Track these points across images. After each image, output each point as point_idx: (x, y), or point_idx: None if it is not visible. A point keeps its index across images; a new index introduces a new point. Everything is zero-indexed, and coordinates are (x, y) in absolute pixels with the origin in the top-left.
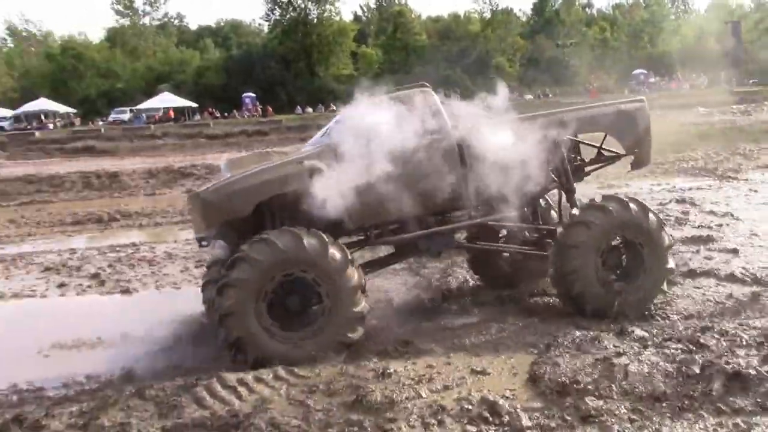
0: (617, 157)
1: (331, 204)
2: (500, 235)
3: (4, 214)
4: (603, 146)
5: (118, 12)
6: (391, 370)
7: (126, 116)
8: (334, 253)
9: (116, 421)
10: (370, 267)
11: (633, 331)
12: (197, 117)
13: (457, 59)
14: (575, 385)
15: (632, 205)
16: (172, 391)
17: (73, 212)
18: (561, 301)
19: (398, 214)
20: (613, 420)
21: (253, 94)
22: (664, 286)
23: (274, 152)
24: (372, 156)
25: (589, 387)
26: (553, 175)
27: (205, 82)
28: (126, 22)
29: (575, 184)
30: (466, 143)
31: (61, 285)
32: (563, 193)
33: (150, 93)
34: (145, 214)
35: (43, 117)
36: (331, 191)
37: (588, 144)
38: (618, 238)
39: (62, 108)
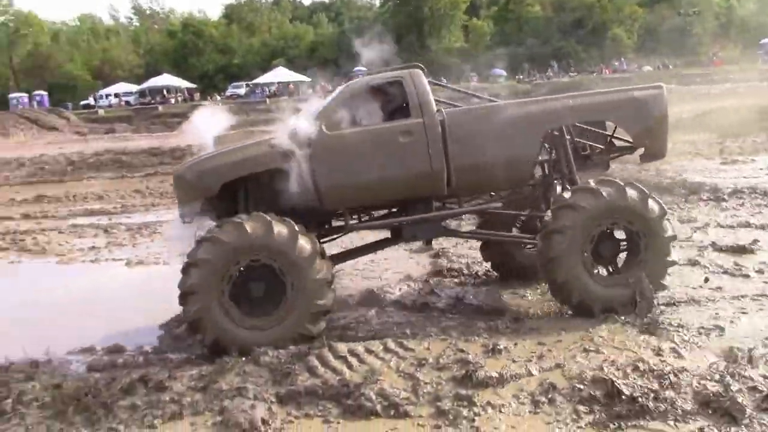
0: (629, 148)
1: (304, 186)
2: (516, 224)
3: (130, 184)
4: (615, 135)
5: None
6: (501, 347)
7: (242, 90)
8: (303, 244)
9: (233, 385)
10: (351, 255)
11: None
12: (310, 91)
13: (571, 30)
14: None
15: (629, 190)
16: (285, 359)
17: None
18: (550, 291)
19: (375, 198)
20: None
21: (364, 68)
22: (665, 281)
23: (261, 130)
24: (347, 137)
25: None
26: (548, 165)
27: (318, 56)
28: None
29: (592, 174)
30: (449, 127)
31: (183, 253)
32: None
33: (265, 68)
34: None
35: (165, 92)
36: (304, 173)
37: (599, 132)
38: (611, 224)
39: (183, 83)
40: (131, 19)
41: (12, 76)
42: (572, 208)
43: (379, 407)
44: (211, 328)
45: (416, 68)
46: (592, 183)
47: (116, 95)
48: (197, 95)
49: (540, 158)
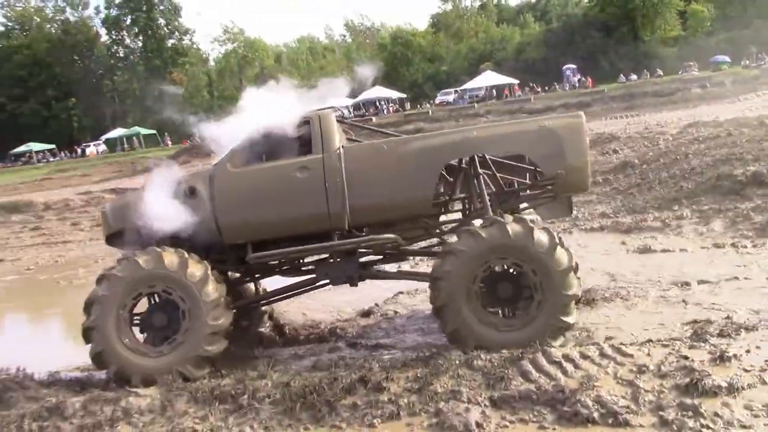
0: (548, 182)
1: (208, 221)
2: None
3: None
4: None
5: None
6: (730, 354)
7: (451, 97)
8: (193, 270)
9: (447, 387)
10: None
11: None
12: (519, 93)
13: None
14: None
15: (511, 227)
16: (498, 363)
17: None
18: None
19: (273, 233)
20: None
21: (574, 66)
22: (568, 317)
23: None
24: (247, 173)
25: None
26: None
27: (526, 57)
28: (449, 6)
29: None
30: (346, 162)
31: None
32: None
33: (473, 73)
34: None
35: (378, 103)
36: (205, 210)
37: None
38: (497, 264)
39: (394, 94)
40: (344, 36)
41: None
42: (452, 254)
43: (596, 415)
44: (116, 360)
45: (330, 110)
46: (475, 224)
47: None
48: (408, 105)
49: (459, 193)
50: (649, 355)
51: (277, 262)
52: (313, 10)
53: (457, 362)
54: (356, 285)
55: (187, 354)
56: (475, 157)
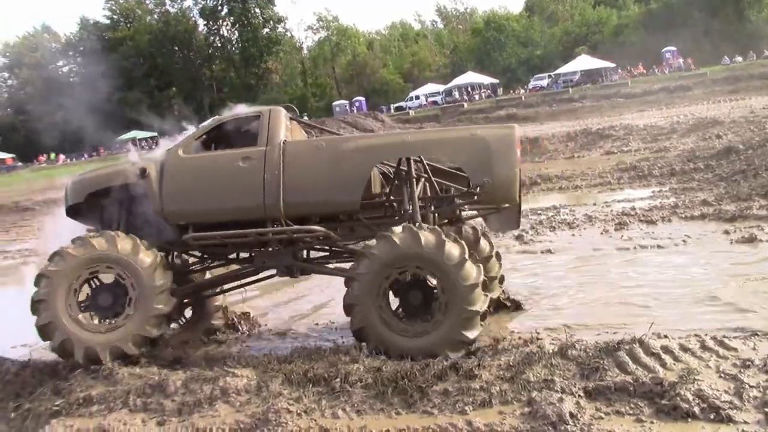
0: (473, 190)
1: (153, 201)
2: None
3: None
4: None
5: None
6: None
7: (545, 82)
8: (144, 257)
9: (540, 377)
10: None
11: None
12: (615, 77)
13: None
14: None
15: (424, 235)
16: (593, 353)
17: None
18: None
19: (210, 217)
20: None
21: (674, 48)
22: (471, 333)
23: None
24: (194, 160)
25: None
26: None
27: (623, 40)
28: None
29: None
30: (286, 156)
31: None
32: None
33: (567, 57)
34: (564, 177)
35: (470, 89)
36: (153, 191)
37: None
38: (407, 271)
39: (486, 79)
40: (435, 22)
41: (335, 85)
42: (366, 257)
43: (696, 409)
44: (61, 333)
45: (286, 108)
46: (394, 229)
47: (424, 96)
48: (500, 90)
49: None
50: (754, 348)
51: (216, 246)
52: None
53: (551, 351)
54: (296, 276)
55: (130, 332)
56: (408, 160)
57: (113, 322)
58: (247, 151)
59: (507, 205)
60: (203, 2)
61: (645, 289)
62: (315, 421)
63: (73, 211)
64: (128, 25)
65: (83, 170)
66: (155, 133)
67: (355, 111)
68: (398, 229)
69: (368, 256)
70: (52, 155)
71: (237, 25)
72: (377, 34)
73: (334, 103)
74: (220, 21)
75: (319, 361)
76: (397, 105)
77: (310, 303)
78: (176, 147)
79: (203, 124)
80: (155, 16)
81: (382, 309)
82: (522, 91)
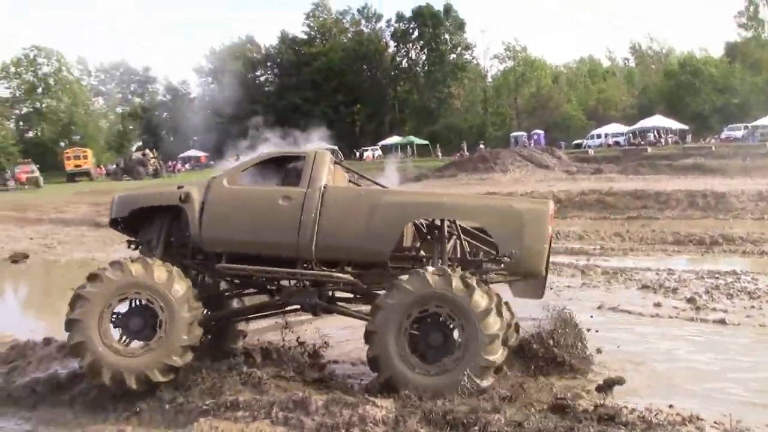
0: (501, 260)
1: (192, 226)
2: None
3: (611, 226)
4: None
5: (740, 25)
6: None
7: (739, 133)
8: (177, 287)
9: None
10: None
11: None
12: None
13: None
14: None
15: (456, 279)
16: None
17: (675, 231)
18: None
19: (244, 249)
20: None
21: None
22: (482, 381)
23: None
24: (237, 191)
25: None
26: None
27: None
28: (749, 35)
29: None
30: (325, 201)
31: (657, 305)
32: None
33: None
34: (750, 240)
35: (655, 133)
36: (193, 216)
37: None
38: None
39: (674, 124)
40: (627, 59)
41: (515, 115)
42: (396, 288)
43: None
44: (92, 354)
45: (329, 151)
46: (427, 268)
47: (606, 135)
48: (689, 137)
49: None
50: None
51: (247, 277)
52: (597, 30)
53: None
54: (319, 315)
55: (158, 360)
56: (443, 221)
57: (143, 347)
58: (289, 191)
59: (525, 277)
60: (396, 25)
61: None
62: None
63: (115, 223)
64: (323, 42)
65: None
66: (335, 147)
67: (533, 144)
68: (431, 268)
69: (399, 288)
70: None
71: (425, 49)
72: (564, 67)
73: (512, 134)
74: (410, 44)
75: (460, 404)
76: (576, 142)
77: None
78: (221, 176)
79: (251, 156)
80: (349, 35)
81: (401, 342)
82: (713, 140)
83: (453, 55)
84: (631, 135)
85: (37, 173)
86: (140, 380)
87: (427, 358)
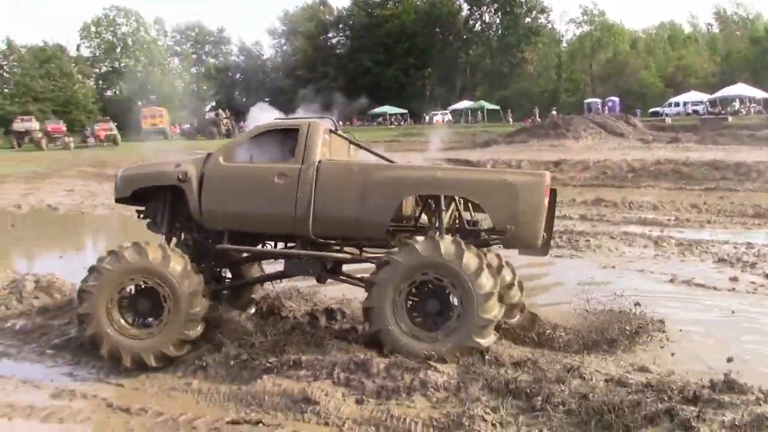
0: (496, 233)
1: (192, 204)
2: None
3: (687, 197)
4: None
5: None
6: None
7: None
8: (175, 264)
9: None
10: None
11: None
12: None
13: None
14: None
15: (444, 244)
16: None
17: (756, 204)
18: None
19: (245, 227)
20: None
21: None
22: (484, 340)
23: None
24: (233, 169)
25: None
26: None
27: None
28: None
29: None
30: (320, 176)
31: (733, 279)
32: None
33: None
34: None
35: (738, 102)
36: (192, 194)
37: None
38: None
39: (759, 93)
40: (711, 25)
41: (590, 81)
42: (387, 263)
43: None
44: (108, 342)
45: (325, 120)
46: (416, 238)
47: (684, 103)
48: None
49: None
50: None
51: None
52: None
53: None
54: (323, 283)
55: (170, 336)
56: (441, 196)
57: (156, 326)
58: (283, 168)
59: (520, 248)
60: None
61: None
62: None
63: (121, 200)
64: (396, 4)
65: None
66: (405, 111)
67: (607, 111)
68: (420, 237)
69: (390, 262)
70: None
71: (500, 12)
72: (643, 32)
73: (586, 101)
74: (484, 7)
75: (523, 373)
76: (653, 110)
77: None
78: (217, 153)
79: (246, 131)
80: None
81: (399, 314)
82: None
83: (528, 19)
84: (709, 104)
85: (115, 131)
86: (158, 357)
87: (429, 325)
